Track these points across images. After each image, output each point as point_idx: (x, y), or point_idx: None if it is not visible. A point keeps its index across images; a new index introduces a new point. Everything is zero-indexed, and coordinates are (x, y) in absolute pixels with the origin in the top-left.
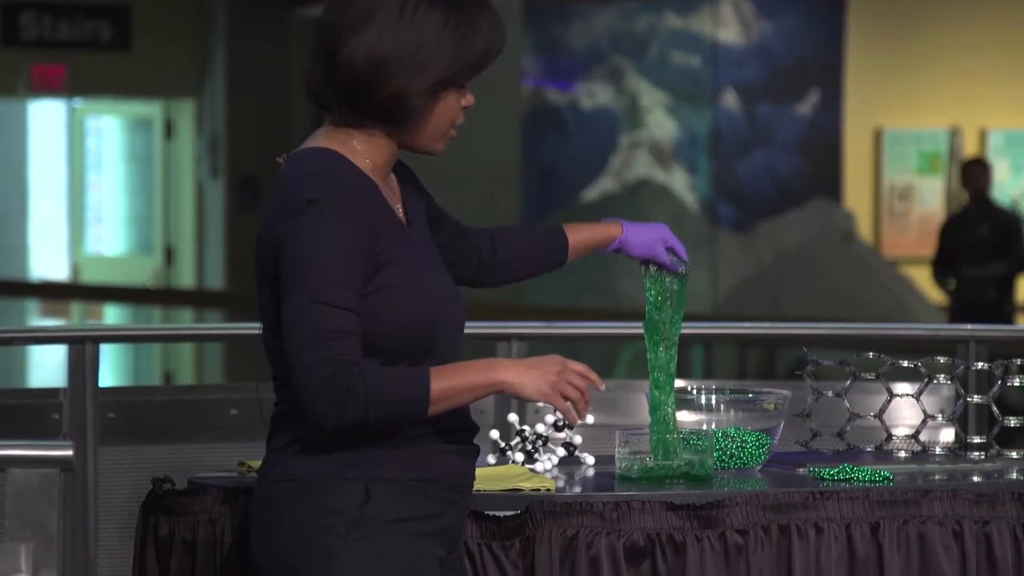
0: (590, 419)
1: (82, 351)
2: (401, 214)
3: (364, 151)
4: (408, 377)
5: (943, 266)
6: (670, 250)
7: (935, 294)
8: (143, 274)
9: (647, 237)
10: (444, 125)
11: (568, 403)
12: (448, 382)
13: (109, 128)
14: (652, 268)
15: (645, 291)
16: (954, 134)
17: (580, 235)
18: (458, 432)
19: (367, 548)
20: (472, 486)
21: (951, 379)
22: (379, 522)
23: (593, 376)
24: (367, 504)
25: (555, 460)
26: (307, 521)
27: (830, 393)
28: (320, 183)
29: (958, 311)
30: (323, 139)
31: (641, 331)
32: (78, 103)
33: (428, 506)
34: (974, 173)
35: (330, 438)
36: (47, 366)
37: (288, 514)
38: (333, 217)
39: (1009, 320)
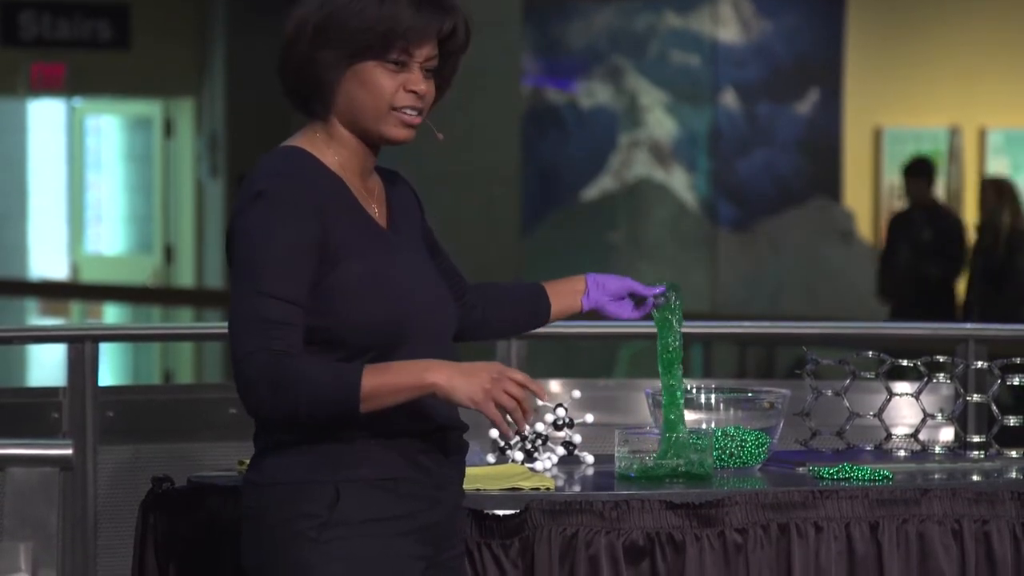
0: (589, 418)
1: (81, 350)
2: (378, 215)
3: (330, 147)
4: (341, 373)
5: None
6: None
7: None
8: (143, 273)
9: (615, 280)
10: (377, 102)
11: (503, 413)
12: (379, 380)
13: (108, 127)
14: (654, 309)
15: (656, 322)
16: (954, 133)
17: (553, 290)
18: (437, 430)
19: (340, 550)
20: (459, 483)
21: (950, 378)
22: (350, 523)
23: (534, 386)
24: (336, 505)
25: (554, 459)
26: (285, 526)
27: (829, 392)
28: (271, 176)
29: (899, 310)
30: (294, 139)
31: (639, 330)
32: (77, 102)
33: (402, 505)
34: (913, 183)
35: (302, 440)
36: (47, 365)
37: (265, 520)
38: (280, 209)
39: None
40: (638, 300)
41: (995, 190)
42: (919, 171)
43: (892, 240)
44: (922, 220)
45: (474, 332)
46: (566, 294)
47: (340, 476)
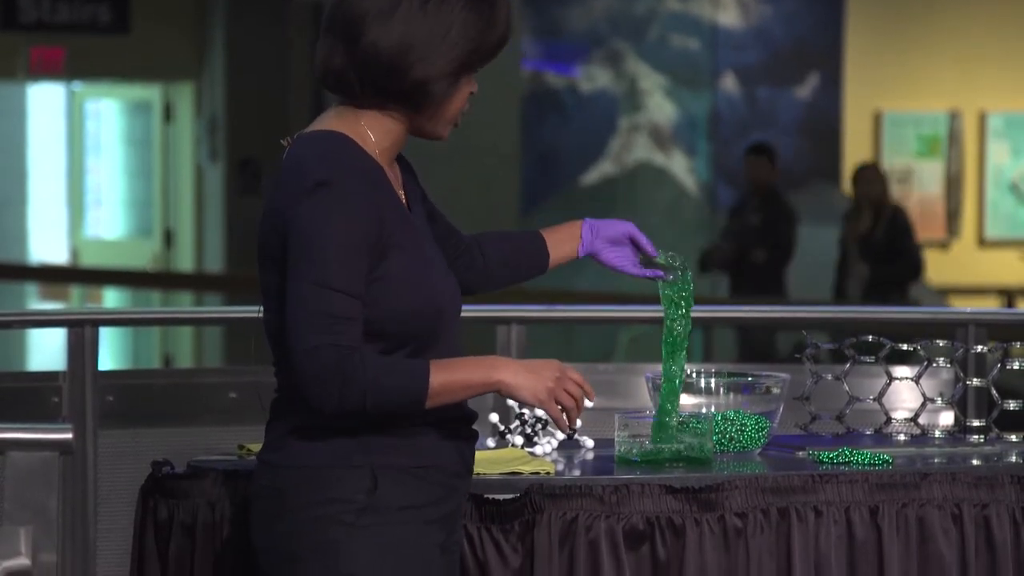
0: (589, 403)
1: (81, 334)
2: (403, 200)
3: (373, 135)
4: (408, 369)
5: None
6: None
7: (934, 277)
8: (142, 257)
9: (614, 225)
10: (457, 111)
11: (562, 411)
12: (447, 377)
13: (108, 111)
14: (661, 284)
15: (663, 301)
16: (954, 117)
17: (550, 237)
18: (459, 420)
19: (373, 536)
20: (472, 472)
21: (950, 362)
22: (386, 509)
23: (588, 387)
24: (375, 491)
25: (554, 443)
26: (312, 509)
27: (829, 376)
28: (329, 165)
29: (736, 290)
30: (331, 122)
31: (640, 315)
32: (77, 86)
33: (432, 493)
34: (753, 164)
35: (334, 425)
36: (47, 349)
37: (292, 502)
38: (341, 200)
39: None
40: (644, 260)
41: (877, 175)
42: (759, 151)
43: (729, 222)
44: (757, 207)
45: (477, 285)
46: (564, 241)
47: (376, 462)
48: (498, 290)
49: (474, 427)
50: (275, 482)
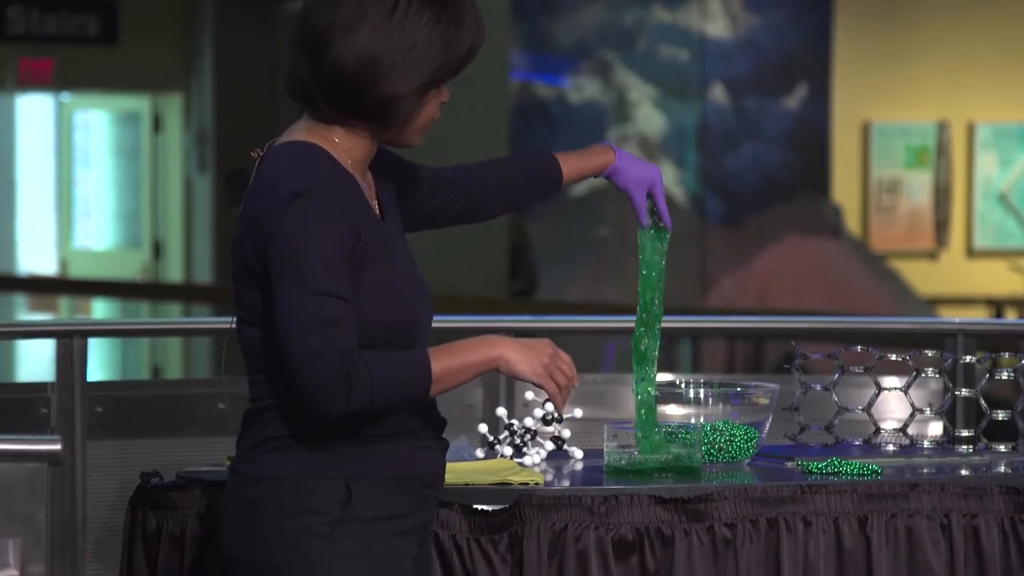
0: (578, 412)
1: (70, 345)
2: (377, 210)
3: (344, 147)
4: (409, 360)
5: None
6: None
7: (923, 287)
8: (131, 268)
9: (639, 172)
10: (426, 122)
11: (556, 389)
12: (447, 361)
13: (97, 122)
14: (651, 221)
15: (639, 251)
16: (942, 128)
17: (573, 164)
18: (429, 428)
19: (348, 547)
20: (443, 481)
21: (939, 372)
22: (361, 521)
23: (574, 370)
24: (349, 503)
25: (543, 454)
26: (287, 521)
27: (818, 387)
28: (303, 176)
29: None
30: (303, 133)
31: (629, 325)
32: (65, 97)
33: (405, 503)
34: None
35: (308, 436)
36: (35, 360)
37: (266, 514)
38: (320, 209)
39: None
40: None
41: None
42: None
43: None
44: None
45: (475, 214)
46: (593, 155)
47: (350, 473)
48: (501, 215)
49: (463, 436)
50: (248, 493)
